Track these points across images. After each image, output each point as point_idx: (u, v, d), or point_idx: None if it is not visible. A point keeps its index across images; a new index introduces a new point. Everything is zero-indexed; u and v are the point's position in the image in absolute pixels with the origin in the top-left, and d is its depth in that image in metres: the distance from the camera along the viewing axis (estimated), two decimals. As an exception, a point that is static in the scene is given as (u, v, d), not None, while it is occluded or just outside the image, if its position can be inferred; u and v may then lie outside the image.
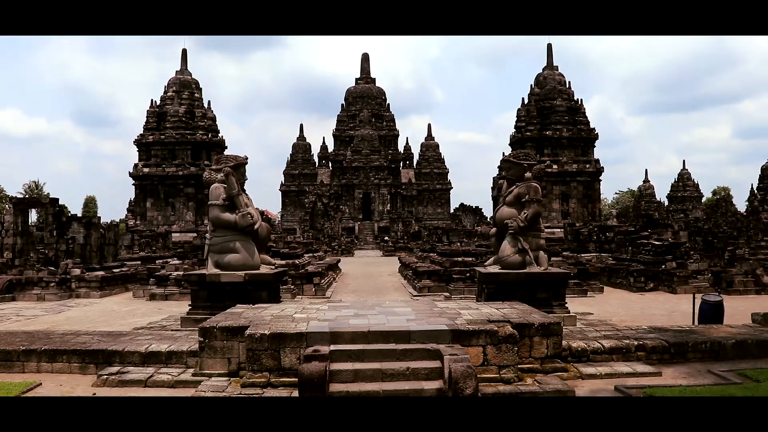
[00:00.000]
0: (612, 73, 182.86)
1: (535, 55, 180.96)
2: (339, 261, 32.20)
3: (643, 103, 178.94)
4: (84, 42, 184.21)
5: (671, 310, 16.22)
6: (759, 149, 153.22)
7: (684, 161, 77.26)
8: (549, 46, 51.49)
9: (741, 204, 66.42)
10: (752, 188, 63.92)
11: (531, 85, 51.23)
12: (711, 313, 12.37)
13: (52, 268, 21.78)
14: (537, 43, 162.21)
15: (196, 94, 51.59)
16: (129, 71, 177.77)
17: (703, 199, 73.71)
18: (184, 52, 52.61)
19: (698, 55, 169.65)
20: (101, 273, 21.98)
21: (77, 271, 21.50)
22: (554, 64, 51.23)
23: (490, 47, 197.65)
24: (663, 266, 21.67)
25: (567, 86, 50.52)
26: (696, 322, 12.51)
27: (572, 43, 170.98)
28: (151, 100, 50.60)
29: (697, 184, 72.46)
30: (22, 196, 61.01)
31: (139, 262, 26.00)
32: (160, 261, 24.90)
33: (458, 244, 30.42)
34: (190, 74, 52.32)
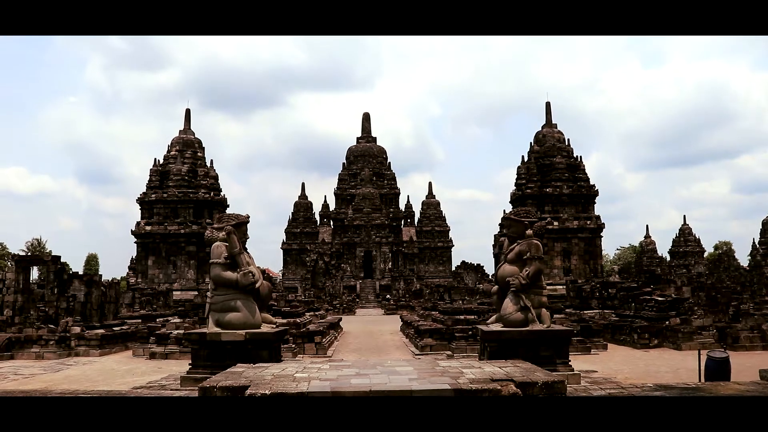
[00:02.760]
0: (610, 129, 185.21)
1: (533, 113, 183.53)
2: (340, 319, 31.98)
3: (642, 159, 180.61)
4: (88, 101, 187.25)
5: (676, 366, 16.03)
6: (759, 204, 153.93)
7: (684, 216, 77.44)
8: (548, 105, 52.29)
9: (743, 258, 66.40)
10: (754, 243, 64.02)
11: (530, 143, 51.79)
12: (717, 369, 12.21)
13: (52, 326, 21.64)
14: (536, 101, 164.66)
15: (198, 153, 52.16)
16: (132, 130, 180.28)
17: (705, 254, 73.61)
18: (188, 111, 53.44)
19: (695, 111, 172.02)
20: (101, 331, 21.82)
21: (77, 329, 21.36)
22: (553, 122, 51.92)
23: (489, 105, 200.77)
24: (667, 322, 21.50)
25: (566, 143, 51.06)
26: (702, 379, 12.35)
27: (570, 100, 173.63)
28: (155, 158, 51.23)
29: (699, 239, 72.49)
30: (24, 253, 61.04)
31: (139, 321, 25.85)
32: (161, 319, 24.76)
33: (460, 302, 30.30)
34: (193, 133, 53.01)
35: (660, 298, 23.80)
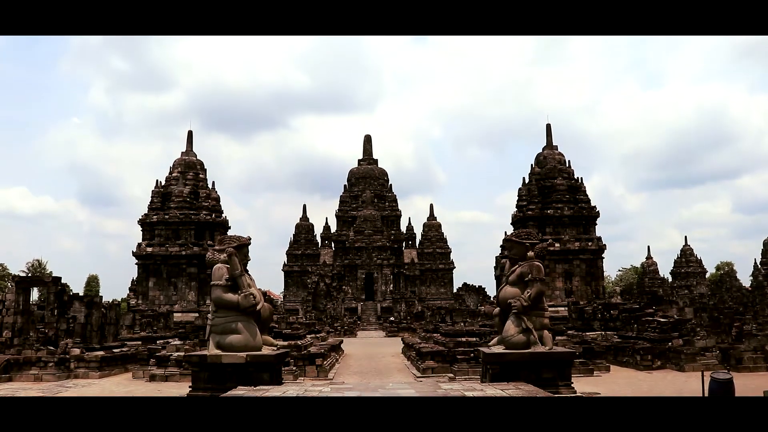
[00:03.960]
0: (611, 151, 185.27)
1: (534, 135, 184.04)
2: (341, 342, 31.86)
3: (643, 179, 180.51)
4: (92, 123, 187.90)
5: (680, 388, 15.93)
6: (760, 224, 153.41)
7: (686, 237, 77.52)
8: (548, 126, 52.42)
9: (745, 279, 66.26)
10: (756, 263, 63.92)
11: (531, 165, 51.88)
12: (721, 391, 12.13)
13: (52, 348, 21.56)
14: (537, 123, 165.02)
15: (200, 175, 52.26)
16: (135, 152, 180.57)
17: (707, 275, 73.44)
18: (190, 133, 53.65)
19: (695, 132, 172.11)
20: (101, 353, 21.72)
21: (77, 351, 21.27)
22: (554, 144, 52.01)
23: (490, 128, 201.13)
24: (669, 343, 21.40)
25: (567, 165, 51.13)
26: (706, 402, 12.26)
27: (571, 122, 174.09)
28: (156, 180, 51.34)
29: (700, 260, 72.37)
30: (24, 274, 60.95)
31: (139, 342, 25.74)
32: (161, 341, 24.64)
33: (462, 324, 30.16)
34: (195, 155, 53.15)
35: (662, 320, 23.71)
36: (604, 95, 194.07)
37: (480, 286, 58.65)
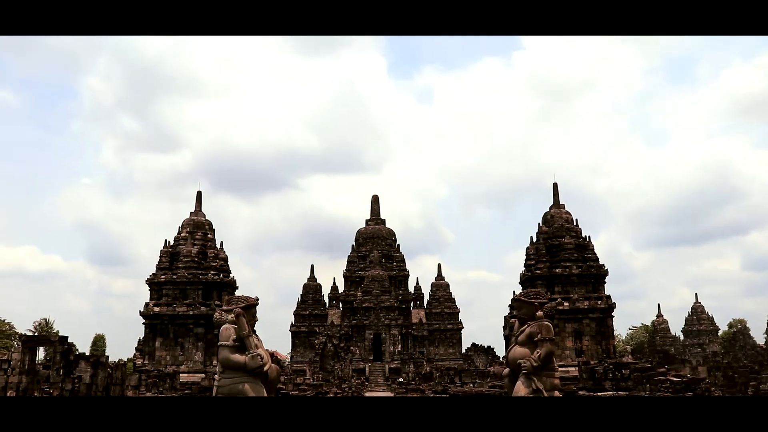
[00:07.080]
0: (617, 209, 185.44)
1: (541, 194, 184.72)
2: (349, 402, 31.40)
3: (651, 237, 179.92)
4: (102, 183, 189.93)
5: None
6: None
7: (696, 294, 76.72)
8: (555, 186, 52.70)
9: (759, 336, 65.28)
10: (769, 321, 63.13)
11: (539, 224, 51.96)
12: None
13: (57, 412, 21.34)
14: (543, 182, 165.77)
15: (209, 235, 52.53)
16: (144, 211, 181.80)
17: (720, 333, 72.50)
18: (199, 194, 54.17)
19: (701, 189, 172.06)
20: (106, 416, 21.47)
21: (82, 415, 21.04)
22: (561, 203, 52.19)
23: (497, 187, 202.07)
24: (683, 406, 21.02)
25: (574, 224, 51.20)
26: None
27: (577, 181, 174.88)
28: (165, 240, 51.61)
29: (712, 317, 71.58)
30: (31, 333, 60.74)
31: (145, 405, 25.46)
32: (167, 403, 24.39)
33: (471, 385, 29.80)
34: (204, 215, 53.54)
35: (675, 379, 23.36)
36: (609, 153, 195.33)
37: (489, 347, 58.16)
